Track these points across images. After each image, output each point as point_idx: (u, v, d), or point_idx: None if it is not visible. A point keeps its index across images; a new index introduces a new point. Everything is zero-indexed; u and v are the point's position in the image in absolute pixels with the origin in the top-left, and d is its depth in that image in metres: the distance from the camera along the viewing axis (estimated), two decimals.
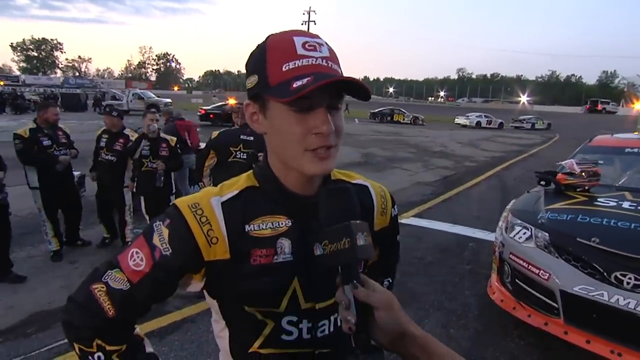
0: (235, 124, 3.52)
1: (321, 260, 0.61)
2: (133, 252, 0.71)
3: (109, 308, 0.69)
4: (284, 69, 0.64)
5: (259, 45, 0.70)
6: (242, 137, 3.14)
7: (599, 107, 64.86)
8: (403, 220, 5.15)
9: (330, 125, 0.64)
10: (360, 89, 0.66)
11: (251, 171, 0.79)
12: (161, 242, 0.69)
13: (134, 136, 4.20)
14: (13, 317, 2.96)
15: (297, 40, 0.66)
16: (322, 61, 0.65)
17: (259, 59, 0.68)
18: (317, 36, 0.69)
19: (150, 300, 0.72)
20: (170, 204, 0.74)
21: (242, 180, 0.77)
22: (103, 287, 0.69)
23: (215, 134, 3.26)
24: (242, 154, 3.12)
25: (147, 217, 4.04)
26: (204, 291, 0.77)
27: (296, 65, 0.64)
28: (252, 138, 3.10)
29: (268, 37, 0.70)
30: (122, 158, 4.18)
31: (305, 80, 0.61)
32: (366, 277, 0.63)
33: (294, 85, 0.61)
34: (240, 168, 2.92)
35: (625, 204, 2.90)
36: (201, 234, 0.69)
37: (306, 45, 0.65)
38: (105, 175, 4.25)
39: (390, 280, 1.02)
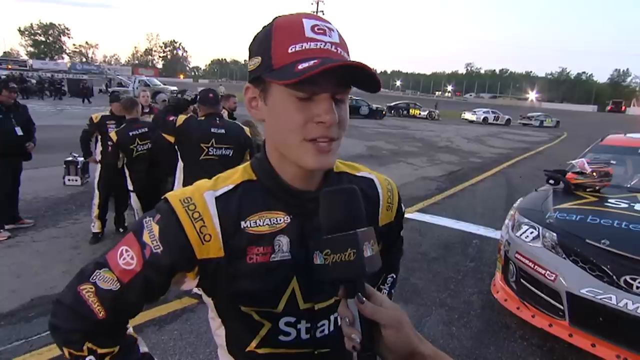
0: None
1: (322, 270, 0.56)
2: (122, 250, 0.67)
3: (98, 310, 0.65)
4: (289, 51, 0.60)
5: (264, 26, 0.66)
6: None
7: (624, 108, 62.45)
8: (407, 214, 5.04)
9: (334, 115, 0.60)
10: (370, 78, 0.61)
11: (248, 163, 0.75)
12: (151, 239, 0.65)
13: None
14: (15, 301, 2.97)
15: (306, 22, 0.62)
16: (331, 46, 0.61)
17: (264, 40, 0.63)
18: (327, 21, 0.64)
19: (142, 300, 0.69)
20: (162, 197, 0.70)
21: (239, 174, 0.73)
22: (91, 288, 0.65)
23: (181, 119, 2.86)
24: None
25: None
26: (200, 289, 0.73)
27: (303, 47, 0.60)
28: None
29: (275, 18, 0.65)
30: None
31: (311, 62, 0.57)
32: (373, 289, 0.58)
33: (299, 67, 0.57)
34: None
35: (637, 206, 2.82)
36: (193, 230, 0.65)
37: (315, 29, 0.61)
38: None
39: (394, 276, 1.00)
